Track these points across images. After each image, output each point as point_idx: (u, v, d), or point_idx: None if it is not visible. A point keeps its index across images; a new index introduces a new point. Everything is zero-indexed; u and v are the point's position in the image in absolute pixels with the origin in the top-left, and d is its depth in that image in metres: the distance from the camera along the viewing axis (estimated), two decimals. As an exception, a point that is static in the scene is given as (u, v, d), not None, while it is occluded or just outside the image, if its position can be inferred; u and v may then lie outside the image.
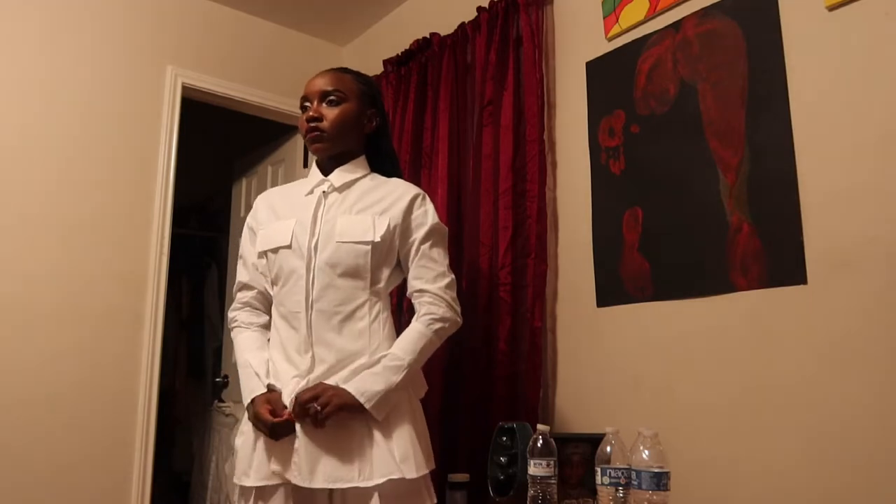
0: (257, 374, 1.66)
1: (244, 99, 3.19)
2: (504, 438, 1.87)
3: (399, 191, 1.79)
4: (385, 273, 1.72)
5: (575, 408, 2.14)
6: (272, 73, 3.27)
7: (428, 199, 1.82)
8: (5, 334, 2.47)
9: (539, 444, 1.59)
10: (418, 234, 1.75)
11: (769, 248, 1.73)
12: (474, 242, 2.41)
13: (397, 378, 1.60)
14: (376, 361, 1.62)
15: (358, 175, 1.80)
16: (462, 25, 2.65)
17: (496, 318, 2.27)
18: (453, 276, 1.79)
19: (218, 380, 3.53)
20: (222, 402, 3.53)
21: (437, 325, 1.69)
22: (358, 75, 1.87)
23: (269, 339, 1.76)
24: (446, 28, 2.74)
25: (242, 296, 1.83)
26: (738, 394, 1.75)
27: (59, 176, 2.65)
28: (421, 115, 2.78)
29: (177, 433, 4.23)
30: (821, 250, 1.64)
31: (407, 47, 2.92)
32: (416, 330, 1.69)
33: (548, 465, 1.58)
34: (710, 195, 1.86)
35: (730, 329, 1.79)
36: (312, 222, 1.70)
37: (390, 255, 1.73)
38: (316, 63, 3.46)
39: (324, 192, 1.75)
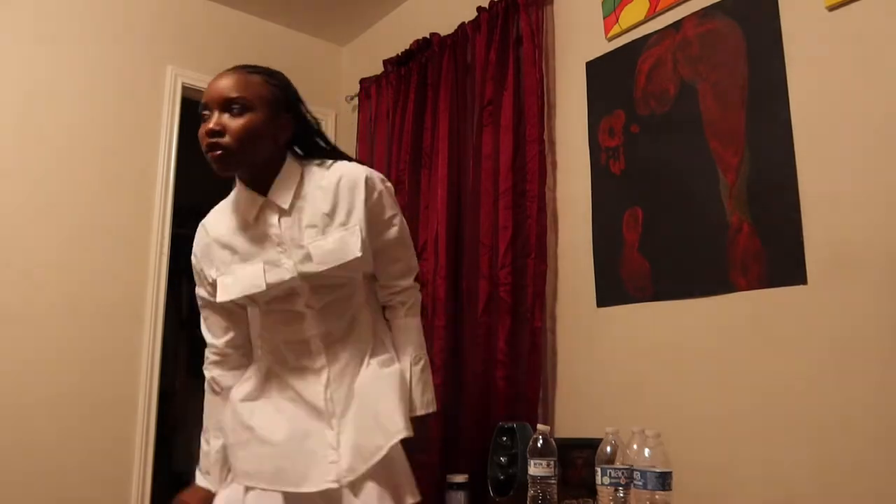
0: (206, 473, 1.62)
1: (244, 99, 3.19)
2: (504, 438, 1.87)
3: (347, 181, 1.55)
4: (369, 266, 1.61)
5: (575, 408, 2.14)
6: (272, 73, 3.27)
7: (375, 178, 1.58)
8: (5, 334, 2.46)
9: (539, 445, 1.59)
10: (387, 235, 1.60)
11: (769, 248, 1.73)
12: (474, 242, 2.41)
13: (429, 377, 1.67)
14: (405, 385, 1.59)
15: (296, 182, 1.55)
16: (462, 25, 2.65)
17: (496, 318, 2.27)
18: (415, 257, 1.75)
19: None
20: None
21: (420, 312, 1.72)
22: (269, 75, 1.57)
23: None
24: (446, 28, 2.74)
25: (219, 346, 1.68)
26: (738, 393, 1.75)
27: (59, 176, 2.65)
28: (421, 115, 2.78)
29: (177, 433, 4.23)
30: (821, 250, 1.64)
31: (407, 47, 2.92)
32: (416, 326, 1.69)
33: (548, 465, 1.58)
34: (710, 195, 1.86)
35: (730, 329, 1.79)
36: (284, 256, 1.52)
37: (368, 253, 1.58)
38: (316, 63, 3.47)
39: (278, 218, 1.53)
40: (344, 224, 1.52)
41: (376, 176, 1.59)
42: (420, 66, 2.83)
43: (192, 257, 1.64)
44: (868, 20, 1.61)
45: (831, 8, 1.67)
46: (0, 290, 2.48)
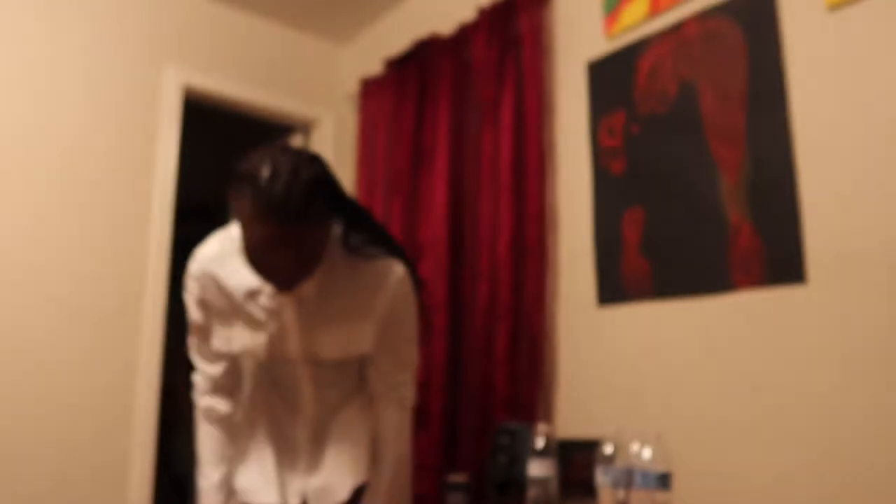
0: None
1: (244, 99, 3.19)
2: (504, 439, 1.87)
3: (375, 280, 1.48)
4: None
5: (575, 408, 2.14)
6: (272, 72, 3.27)
7: (405, 280, 1.51)
8: (5, 334, 2.46)
9: (539, 445, 1.59)
10: (397, 331, 1.53)
11: (769, 248, 1.73)
12: (474, 242, 2.41)
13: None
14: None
15: (324, 276, 1.45)
16: (462, 25, 2.65)
17: (496, 318, 2.27)
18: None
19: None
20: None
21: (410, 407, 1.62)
22: (329, 194, 1.32)
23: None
24: (446, 28, 2.74)
25: (210, 379, 1.57)
26: (738, 393, 1.75)
27: (59, 175, 2.65)
28: (421, 115, 2.78)
29: (177, 433, 4.23)
30: (821, 250, 1.64)
31: (407, 47, 2.91)
32: (405, 420, 1.59)
33: (548, 466, 1.58)
34: (710, 195, 1.86)
35: (730, 328, 1.79)
36: (291, 334, 1.47)
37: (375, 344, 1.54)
38: (316, 63, 3.47)
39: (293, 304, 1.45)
40: (360, 317, 1.47)
41: (406, 278, 1.51)
42: (420, 65, 2.83)
43: (192, 281, 1.50)
44: (868, 20, 1.61)
45: (831, 8, 1.67)
46: None
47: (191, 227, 4.24)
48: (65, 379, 2.56)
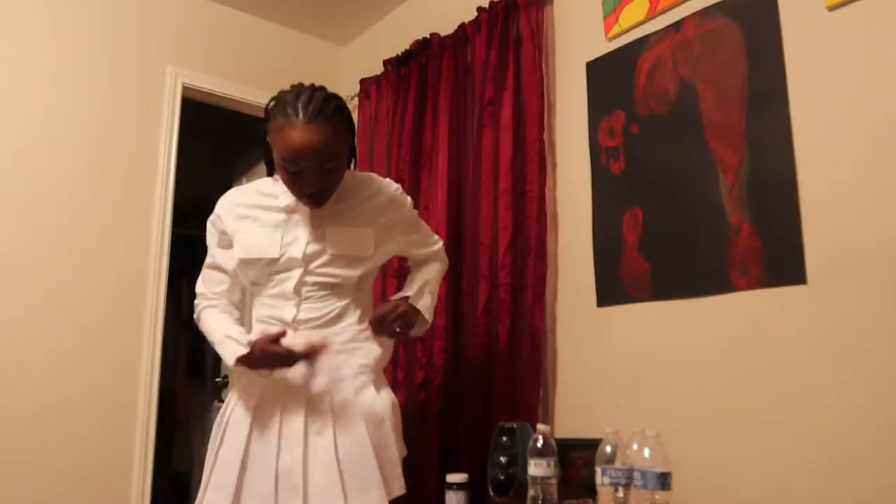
0: (237, 340, 1.66)
1: (244, 99, 3.19)
2: (504, 438, 1.86)
3: (379, 192, 1.78)
4: (370, 277, 1.81)
5: (575, 408, 2.14)
6: (272, 72, 3.27)
7: (403, 193, 1.84)
8: (5, 334, 2.47)
9: (539, 445, 1.59)
10: (410, 216, 1.85)
11: (769, 248, 1.73)
12: (474, 242, 2.41)
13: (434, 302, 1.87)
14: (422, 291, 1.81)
15: (338, 192, 1.72)
16: (462, 25, 2.65)
17: (496, 318, 2.27)
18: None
19: (218, 380, 3.53)
20: (222, 401, 3.52)
21: (446, 265, 1.99)
22: (347, 119, 1.66)
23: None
24: (446, 28, 2.74)
25: (213, 293, 1.79)
26: (738, 393, 1.75)
27: (59, 175, 2.65)
28: (421, 115, 2.78)
29: (177, 433, 4.23)
30: (821, 250, 1.64)
31: (407, 47, 2.91)
32: (443, 272, 1.96)
33: (548, 465, 1.58)
34: (710, 195, 1.86)
35: (729, 329, 1.79)
36: (302, 234, 1.68)
37: (376, 265, 1.80)
38: (316, 63, 3.47)
39: (310, 212, 1.70)
40: (363, 223, 1.71)
41: (401, 190, 1.83)
42: (420, 66, 2.83)
43: (213, 216, 1.76)
44: (868, 20, 1.61)
45: (831, 8, 1.67)
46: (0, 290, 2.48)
47: (191, 227, 4.25)
48: (65, 378, 2.56)
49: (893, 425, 1.48)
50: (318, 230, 1.68)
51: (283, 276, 1.67)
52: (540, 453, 1.59)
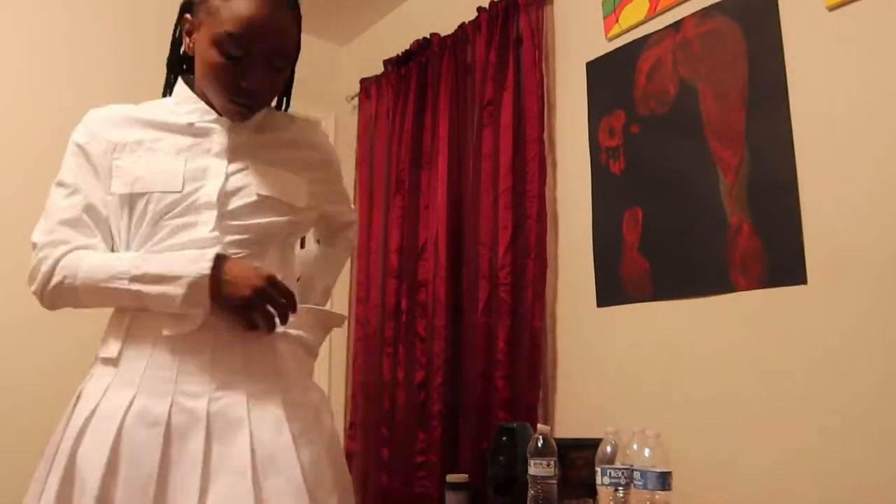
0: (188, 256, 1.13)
1: (244, 99, 3.18)
2: (504, 438, 1.87)
3: (314, 140, 1.39)
4: (293, 244, 1.35)
5: (575, 408, 2.14)
6: (272, 73, 3.27)
7: (323, 133, 1.47)
8: (5, 335, 2.46)
9: (539, 445, 1.59)
10: (336, 176, 1.44)
11: (769, 248, 1.73)
12: (474, 242, 2.41)
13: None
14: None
15: (262, 115, 1.29)
16: (462, 25, 2.65)
17: (496, 318, 2.27)
18: None
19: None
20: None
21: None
22: (301, 21, 1.27)
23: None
24: (446, 28, 2.74)
25: (65, 238, 1.20)
26: (738, 393, 1.75)
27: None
28: (421, 115, 2.78)
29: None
30: (821, 250, 1.64)
31: (407, 47, 2.91)
32: (345, 260, 1.54)
33: (548, 465, 1.58)
34: (710, 195, 1.86)
35: (729, 329, 1.79)
36: (214, 165, 1.19)
37: (303, 228, 1.36)
38: (316, 63, 3.46)
39: (226, 133, 1.23)
40: (295, 169, 1.29)
41: (321, 130, 1.48)
42: (420, 66, 2.83)
43: (82, 135, 1.24)
44: (868, 20, 1.61)
45: (831, 8, 1.67)
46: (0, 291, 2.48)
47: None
48: (66, 378, 2.56)
49: (893, 425, 1.48)
50: (237, 163, 1.20)
51: (180, 222, 1.14)
52: (540, 453, 1.59)
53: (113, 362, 1.18)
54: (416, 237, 2.67)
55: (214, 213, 1.15)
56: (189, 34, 1.25)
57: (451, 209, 2.52)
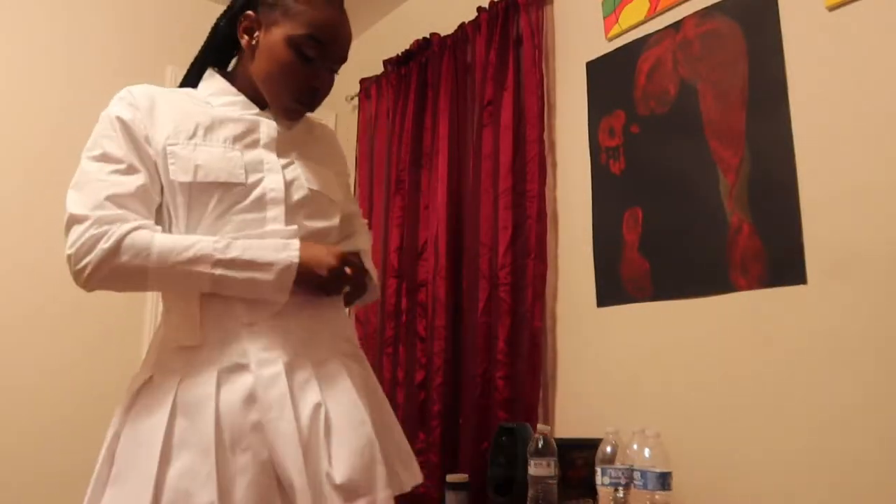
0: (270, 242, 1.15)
1: (244, 99, 3.18)
2: (504, 438, 1.87)
3: (337, 144, 1.45)
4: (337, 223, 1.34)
5: (575, 408, 2.14)
6: (272, 73, 3.27)
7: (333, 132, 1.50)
8: (5, 336, 2.47)
9: (539, 445, 1.60)
10: (349, 204, 1.42)
11: (769, 248, 1.73)
12: (474, 242, 2.41)
13: None
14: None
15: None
16: (462, 25, 2.65)
17: (496, 318, 2.27)
18: None
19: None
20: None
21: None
22: None
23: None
24: (446, 28, 2.74)
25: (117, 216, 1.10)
26: (738, 393, 1.75)
27: (59, 176, 2.64)
28: (421, 115, 2.78)
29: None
30: (821, 250, 1.64)
31: (407, 47, 2.91)
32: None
33: (548, 465, 1.59)
34: (710, 195, 1.86)
35: (730, 329, 1.79)
36: (267, 156, 1.21)
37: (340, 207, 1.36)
38: (316, 63, 3.48)
39: (276, 129, 1.25)
40: (327, 165, 1.33)
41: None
42: (420, 66, 2.83)
43: (124, 108, 1.17)
44: (868, 20, 1.61)
45: (831, 8, 1.67)
46: (0, 291, 2.48)
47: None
48: (66, 379, 2.56)
49: (894, 425, 1.48)
50: (284, 157, 1.23)
51: (248, 217, 1.15)
52: (540, 453, 1.59)
53: (195, 350, 1.15)
54: (416, 237, 2.67)
55: (282, 207, 1.17)
56: (248, 31, 1.26)
57: (451, 209, 2.52)
